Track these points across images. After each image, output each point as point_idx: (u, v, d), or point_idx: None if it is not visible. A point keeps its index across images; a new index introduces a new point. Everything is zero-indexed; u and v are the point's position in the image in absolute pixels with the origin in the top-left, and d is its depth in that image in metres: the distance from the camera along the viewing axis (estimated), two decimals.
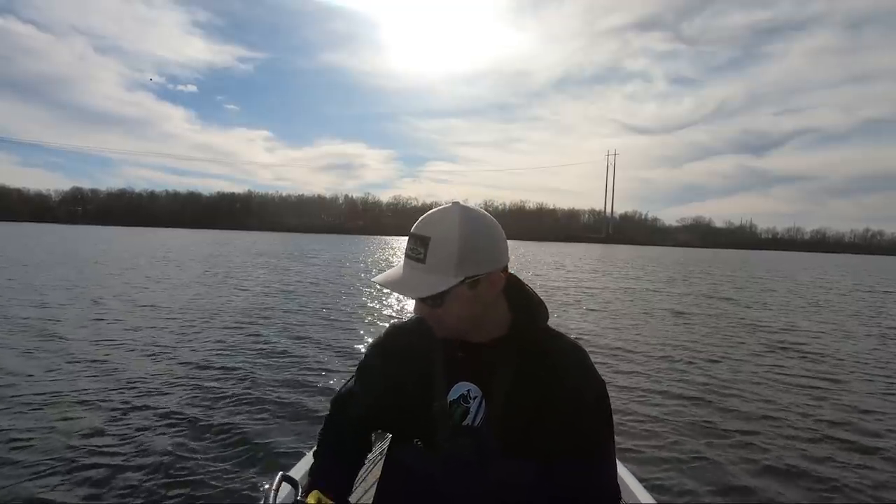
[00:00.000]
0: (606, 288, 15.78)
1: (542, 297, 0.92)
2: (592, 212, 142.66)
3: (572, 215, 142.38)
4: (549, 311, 0.92)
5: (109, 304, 8.94)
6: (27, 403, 4.01)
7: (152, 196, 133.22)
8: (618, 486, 0.89)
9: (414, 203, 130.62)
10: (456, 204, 0.83)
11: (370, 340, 1.05)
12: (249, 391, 4.52)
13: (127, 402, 4.11)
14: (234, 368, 5.24)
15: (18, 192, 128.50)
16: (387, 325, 1.05)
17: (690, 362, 6.31)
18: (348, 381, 1.06)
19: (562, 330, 0.94)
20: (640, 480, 1.61)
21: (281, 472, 0.91)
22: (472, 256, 0.79)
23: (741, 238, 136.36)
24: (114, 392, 4.36)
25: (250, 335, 6.91)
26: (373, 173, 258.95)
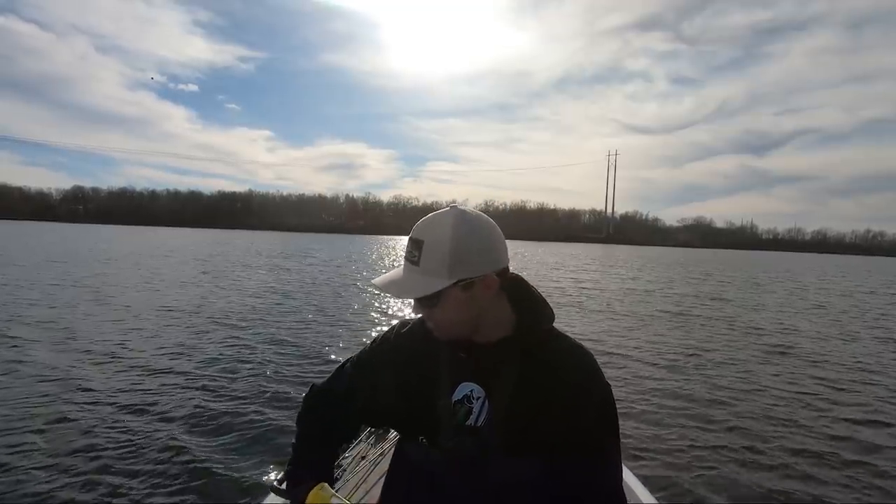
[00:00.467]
0: (607, 289, 15.76)
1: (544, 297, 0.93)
2: (593, 212, 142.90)
3: (573, 215, 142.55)
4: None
5: (109, 304, 8.94)
6: (21, 403, 4.01)
7: (153, 195, 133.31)
8: (622, 489, 0.88)
9: (415, 203, 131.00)
10: (453, 208, 0.85)
11: (367, 341, 1.07)
12: (249, 390, 4.52)
13: (125, 402, 4.11)
14: (234, 367, 5.24)
15: (20, 190, 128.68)
16: (386, 327, 1.06)
17: (694, 364, 6.30)
18: (334, 373, 1.05)
19: (565, 331, 0.94)
20: (644, 483, 1.60)
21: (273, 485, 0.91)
22: (465, 259, 0.81)
23: (742, 238, 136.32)
24: (113, 391, 4.35)
25: (250, 335, 6.90)
26: (374, 173, 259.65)
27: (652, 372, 5.81)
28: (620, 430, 0.85)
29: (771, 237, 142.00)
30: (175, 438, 3.45)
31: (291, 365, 5.46)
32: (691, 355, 6.73)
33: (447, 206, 0.87)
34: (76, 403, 4.03)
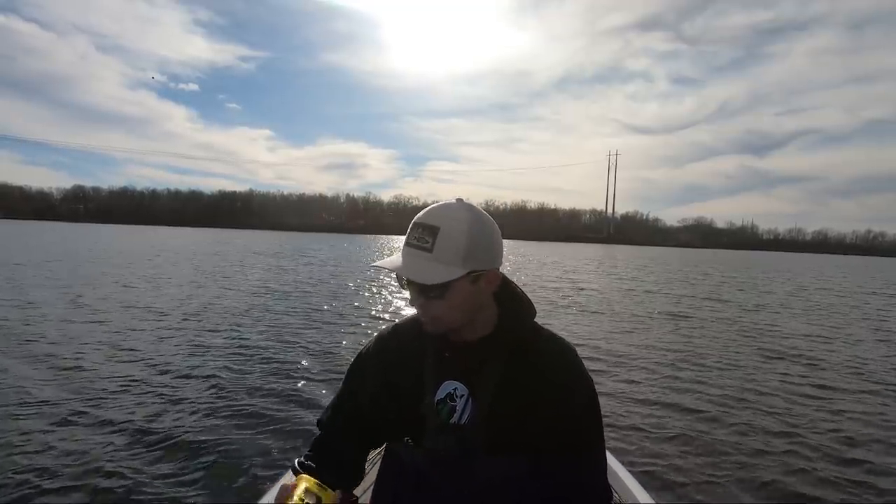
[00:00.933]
0: (606, 289, 15.76)
1: (541, 298, 1.06)
2: (594, 212, 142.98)
3: (573, 215, 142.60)
4: (547, 311, 1.03)
5: (108, 304, 8.94)
6: (21, 403, 4.02)
7: (154, 195, 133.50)
8: (608, 483, 0.89)
9: (415, 203, 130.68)
10: (460, 200, 0.85)
11: (367, 337, 1.06)
12: (248, 392, 4.52)
13: (123, 402, 4.12)
14: (233, 368, 5.24)
15: (20, 189, 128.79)
16: (383, 326, 1.05)
17: (693, 364, 6.30)
18: (334, 398, 1.05)
19: (559, 331, 0.94)
20: (635, 476, 1.61)
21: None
22: (478, 252, 0.81)
23: (742, 238, 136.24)
24: (111, 393, 4.36)
25: (249, 335, 6.91)
26: (374, 173, 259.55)
27: (652, 372, 5.79)
28: (614, 426, 0.93)
29: (772, 237, 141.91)
30: (172, 437, 3.45)
31: (292, 362, 5.47)
32: (691, 355, 6.73)
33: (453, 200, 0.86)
34: (76, 403, 4.04)
